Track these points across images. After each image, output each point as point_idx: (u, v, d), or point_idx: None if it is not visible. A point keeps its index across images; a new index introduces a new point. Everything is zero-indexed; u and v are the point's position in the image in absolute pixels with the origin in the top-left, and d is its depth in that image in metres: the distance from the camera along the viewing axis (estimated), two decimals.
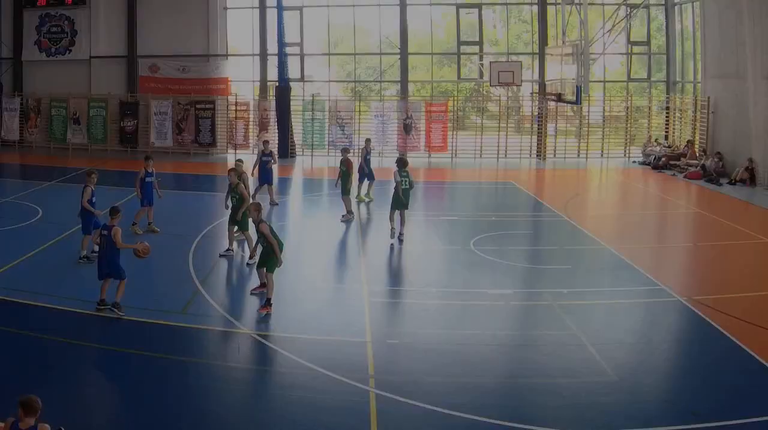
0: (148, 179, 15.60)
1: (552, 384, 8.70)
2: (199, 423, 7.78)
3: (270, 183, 18.92)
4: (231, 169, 14.33)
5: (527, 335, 10.52)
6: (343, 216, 17.26)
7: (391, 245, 15.04)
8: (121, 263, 10.85)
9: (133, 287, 12.23)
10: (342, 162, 17.70)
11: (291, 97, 28.80)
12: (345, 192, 17.45)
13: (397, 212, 15.27)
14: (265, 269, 11.22)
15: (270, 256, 11.13)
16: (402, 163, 15.53)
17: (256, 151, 29.32)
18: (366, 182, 19.67)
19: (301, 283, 13.24)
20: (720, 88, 25.10)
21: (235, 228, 14.03)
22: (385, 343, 9.93)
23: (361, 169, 19.41)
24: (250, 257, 13.47)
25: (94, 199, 13.83)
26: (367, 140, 21.07)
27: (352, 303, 11.58)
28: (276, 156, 20.12)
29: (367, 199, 19.56)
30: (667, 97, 29.64)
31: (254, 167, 19.13)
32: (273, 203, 18.66)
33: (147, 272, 13.37)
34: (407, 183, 15.22)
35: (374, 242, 15.99)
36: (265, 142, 19.88)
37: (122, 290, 10.81)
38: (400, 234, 15.19)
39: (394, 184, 15.19)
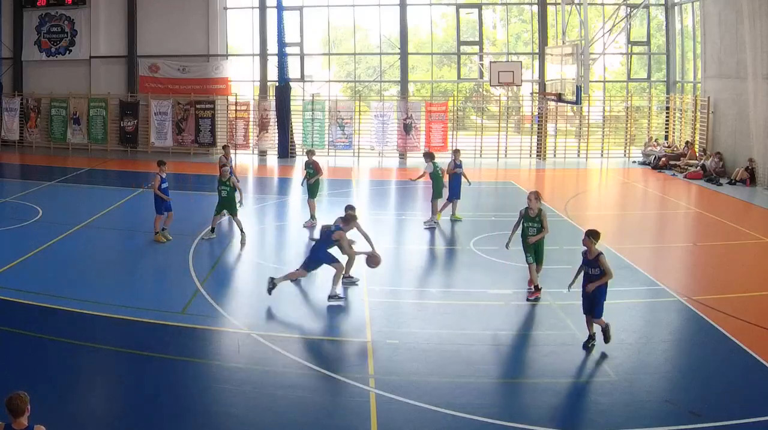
0: (164, 185, 15.27)
1: (552, 384, 8.70)
2: (199, 423, 7.78)
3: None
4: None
5: (527, 335, 10.52)
6: (306, 221, 16.83)
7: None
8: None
9: (133, 287, 12.28)
10: (308, 164, 17.17)
11: (291, 97, 28.82)
12: (312, 195, 16.99)
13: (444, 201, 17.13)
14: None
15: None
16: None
17: (256, 151, 29.58)
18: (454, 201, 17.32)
19: (301, 283, 13.25)
20: (720, 88, 25.10)
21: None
22: (385, 343, 9.93)
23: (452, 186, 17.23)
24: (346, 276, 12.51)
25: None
26: (456, 151, 18.27)
27: (352, 303, 11.58)
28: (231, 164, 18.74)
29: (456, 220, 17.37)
30: (667, 97, 29.65)
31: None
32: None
33: (147, 272, 13.40)
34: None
35: (374, 242, 15.97)
36: (225, 147, 19.11)
37: (338, 278, 11.70)
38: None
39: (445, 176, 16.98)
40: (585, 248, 9.71)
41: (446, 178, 17.13)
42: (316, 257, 11.81)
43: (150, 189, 15.79)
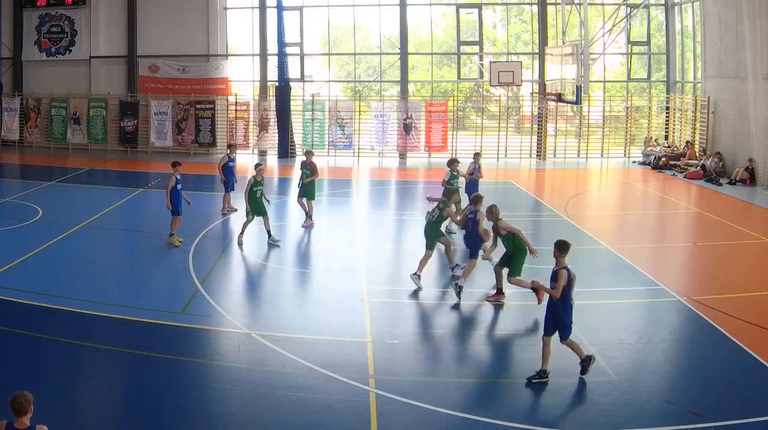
0: (179, 186, 14.94)
1: (552, 384, 8.69)
2: (200, 423, 7.78)
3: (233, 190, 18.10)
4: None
5: (527, 335, 10.52)
6: (304, 222, 16.72)
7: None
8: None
9: (133, 287, 12.29)
10: (305, 165, 16.99)
11: (291, 97, 28.82)
12: (310, 196, 16.84)
13: None
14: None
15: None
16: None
17: (256, 151, 29.58)
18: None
19: (301, 283, 13.27)
20: (720, 88, 25.10)
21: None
22: (385, 343, 9.93)
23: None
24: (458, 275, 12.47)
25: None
26: (476, 155, 18.15)
27: (352, 303, 11.58)
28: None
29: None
30: (667, 97, 29.65)
31: (221, 173, 18.03)
32: (226, 211, 17.84)
33: (147, 272, 13.40)
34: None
35: (374, 242, 15.99)
36: (231, 146, 18.80)
37: (468, 270, 11.85)
38: None
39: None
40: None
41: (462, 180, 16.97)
42: (469, 244, 12.34)
43: (154, 189, 15.67)
